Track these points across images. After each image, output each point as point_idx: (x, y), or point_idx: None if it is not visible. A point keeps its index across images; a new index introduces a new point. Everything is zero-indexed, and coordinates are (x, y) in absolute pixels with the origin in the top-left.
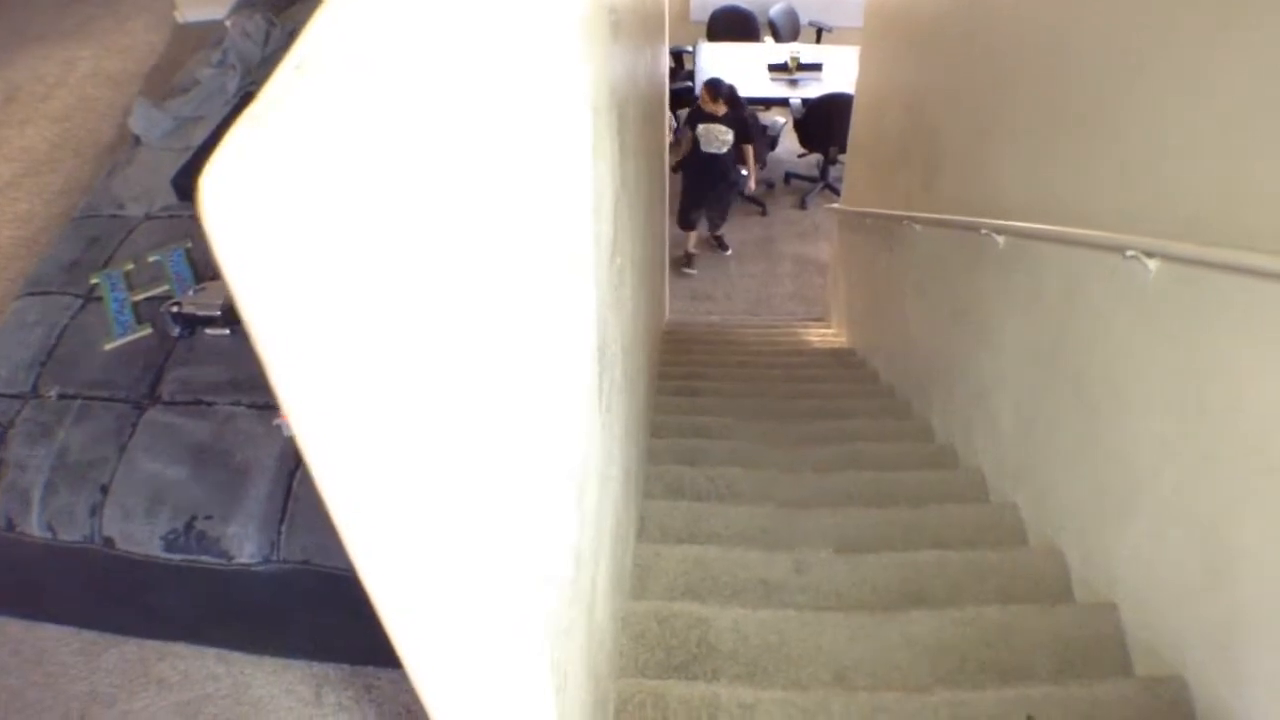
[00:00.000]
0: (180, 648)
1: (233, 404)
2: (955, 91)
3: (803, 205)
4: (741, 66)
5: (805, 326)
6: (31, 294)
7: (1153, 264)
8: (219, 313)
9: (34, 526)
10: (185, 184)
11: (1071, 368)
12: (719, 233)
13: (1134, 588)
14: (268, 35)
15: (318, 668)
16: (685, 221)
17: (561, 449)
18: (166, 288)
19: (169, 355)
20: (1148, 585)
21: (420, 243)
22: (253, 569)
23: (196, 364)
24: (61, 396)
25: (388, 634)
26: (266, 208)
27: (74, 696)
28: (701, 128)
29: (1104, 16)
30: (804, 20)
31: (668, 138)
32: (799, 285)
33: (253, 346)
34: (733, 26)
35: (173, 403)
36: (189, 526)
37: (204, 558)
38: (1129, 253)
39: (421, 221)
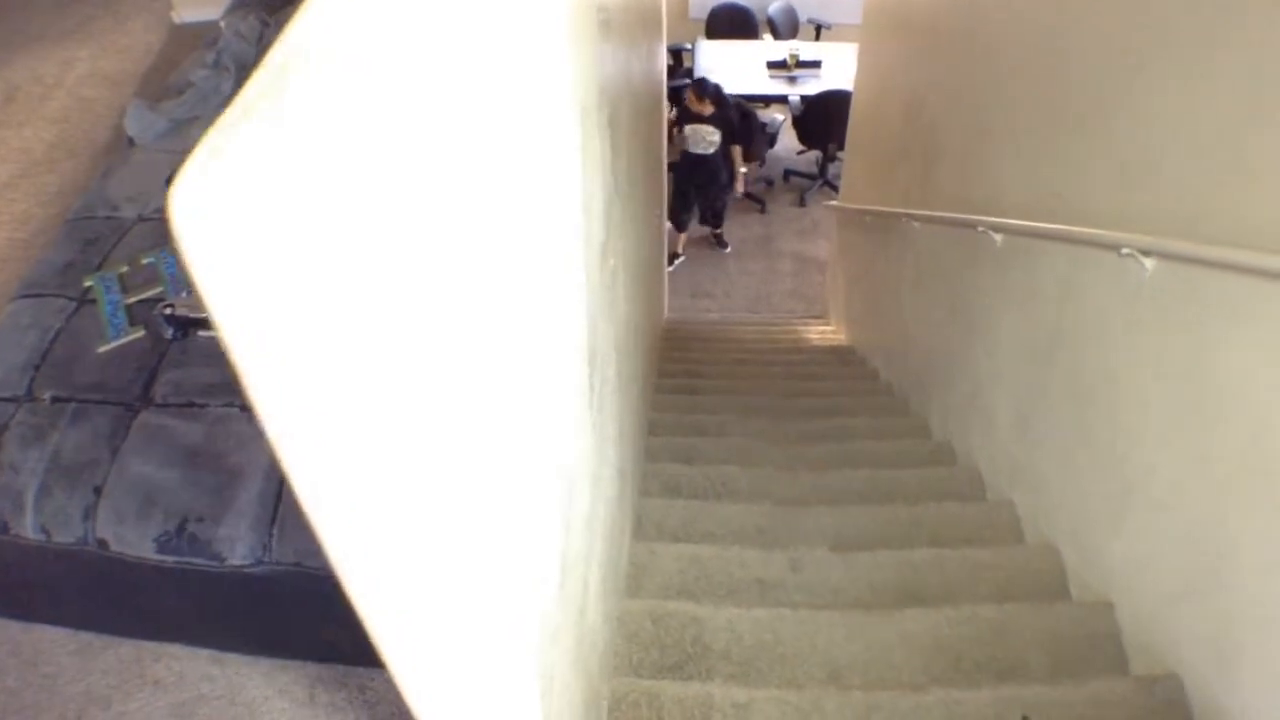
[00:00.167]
0: (175, 649)
1: (225, 406)
2: (954, 89)
3: (802, 203)
4: (740, 64)
5: (804, 324)
6: (26, 296)
7: (1149, 262)
8: None
9: (28, 529)
10: None
11: (1067, 365)
12: (719, 231)
13: (1130, 586)
14: (261, 36)
15: (311, 668)
16: (676, 223)
17: (548, 450)
18: (160, 290)
19: (162, 357)
20: (1143, 583)
21: (397, 247)
22: (245, 571)
23: (189, 366)
24: (55, 400)
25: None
26: (237, 217)
27: (71, 698)
28: (689, 128)
29: (1103, 16)
30: (803, 17)
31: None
32: (798, 283)
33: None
34: (732, 24)
35: (166, 405)
36: (181, 529)
37: (196, 560)
38: (1125, 251)
39: (397, 225)
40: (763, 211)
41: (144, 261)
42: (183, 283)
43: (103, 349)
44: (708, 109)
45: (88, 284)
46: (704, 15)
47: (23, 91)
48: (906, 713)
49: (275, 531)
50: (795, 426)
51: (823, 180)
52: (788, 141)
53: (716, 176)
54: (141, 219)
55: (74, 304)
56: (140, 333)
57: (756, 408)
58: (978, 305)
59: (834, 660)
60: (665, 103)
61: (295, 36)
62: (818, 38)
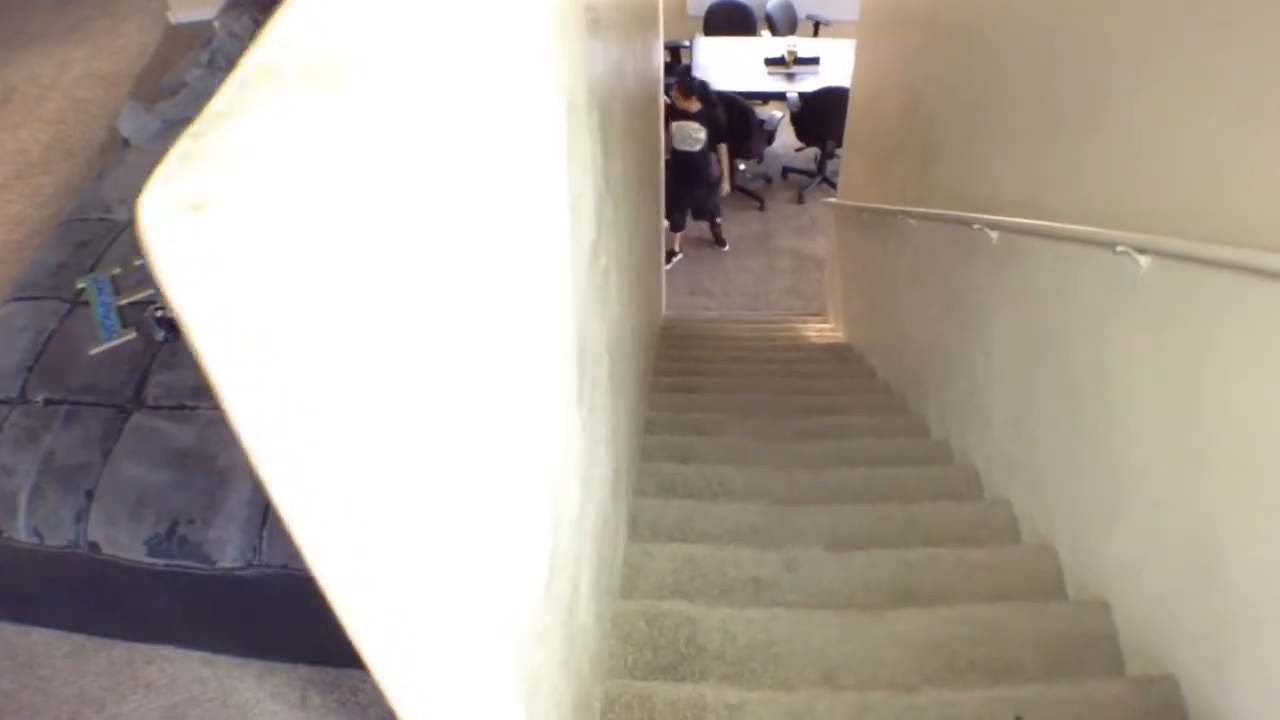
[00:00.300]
0: (168, 651)
1: (216, 408)
2: (950, 86)
3: (800, 200)
4: (739, 61)
5: (802, 321)
6: (20, 299)
7: (1143, 259)
8: None
9: (21, 532)
10: None
11: (1062, 363)
12: (716, 229)
13: (1126, 586)
14: (255, 35)
15: (303, 671)
16: (670, 221)
17: (532, 450)
18: (152, 292)
19: (154, 359)
20: (1139, 583)
21: (369, 249)
22: (235, 573)
23: (180, 368)
24: (48, 402)
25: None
26: (206, 227)
27: (65, 699)
28: (675, 125)
29: (1099, 14)
30: (801, 14)
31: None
32: (796, 280)
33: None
34: (730, 20)
35: (157, 407)
36: (172, 531)
37: (187, 563)
38: (1119, 248)
39: (369, 228)
40: (761, 209)
41: (136, 263)
42: None
43: (95, 351)
44: (694, 105)
45: (81, 286)
46: (702, 12)
47: (19, 93)
48: (899, 713)
49: (265, 534)
50: (792, 425)
51: (821, 177)
52: (786, 138)
53: (703, 174)
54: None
55: (67, 306)
56: (132, 335)
57: (754, 406)
58: (974, 302)
59: (828, 660)
60: (663, 100)
61: (265, 47)
62: (816, 34)
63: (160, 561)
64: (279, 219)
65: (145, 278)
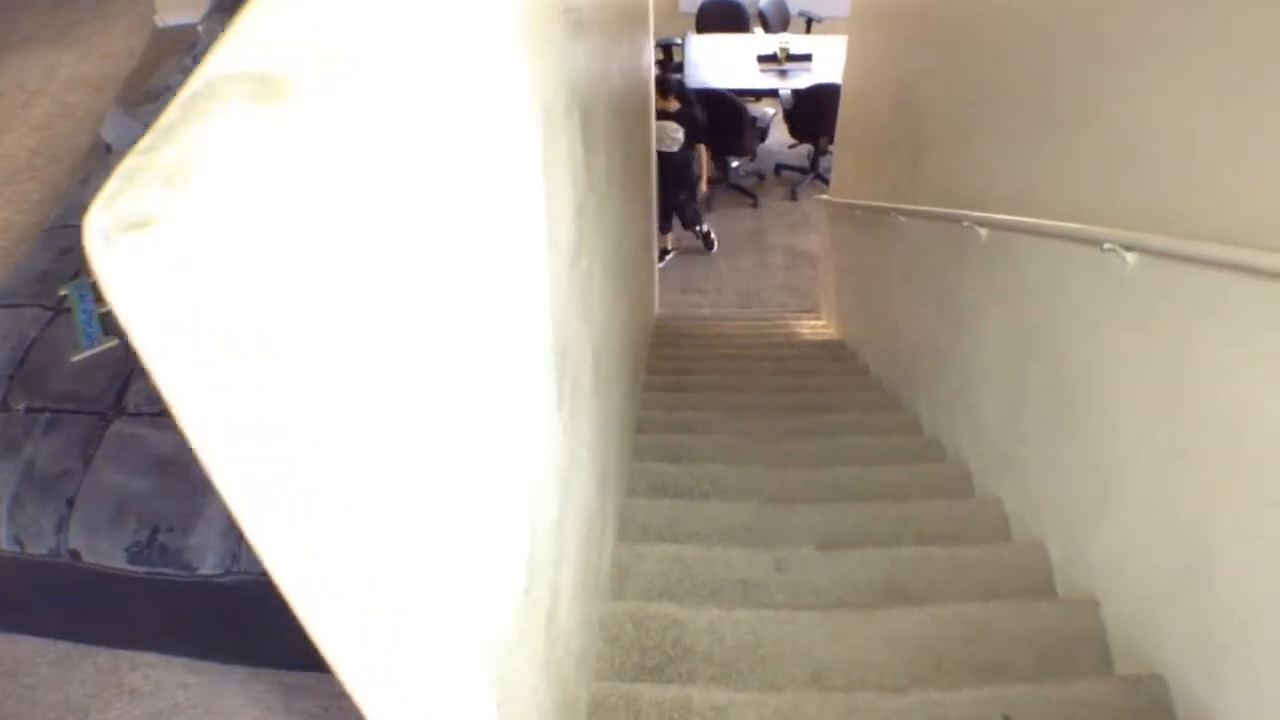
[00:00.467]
0: (152, 657)
1: None
2: (942, 83)
3: (793, 196)
4: (731, 58)
5: (796, 318)
6: (2, 306)
7: (1130, 257)
8: None
9: (2, 540)
10: None
11: (1052, 360)
12: (702, 231)
13: (1115, 584)
14: None
15: (286, 677)
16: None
17: (506, 455)
18: None
19: (134, 367)
20: (1128, 582)
21: (324, 257)
22: (215, 580)
23: None
24: (29, 410)
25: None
26: (149, 245)
27: (50, 707)
28: (654, 125)
29: (1092, 11)
30: (793, 10)
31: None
32: (790, 277)
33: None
34: (722, 17)
35: (138, 414)
36: (152, 539)
37: (167, 570)
38: (1106, 246)
39: (324, 236)
40: (754, 205)
41: None
42: None
43: (76, 358)
44: (672, 105)
45: (63, 293)
46: (694, 10)
47: (6, 98)
48: (887, 714)
49: (244, 541)
50: (784, 423)
51: (814, 174)
52: (779, 135)
53: (684, 175)
54: None
55: (50, 313)
56: (114, 342)
57: (746, 404)
58: (964, 299)
59: (816, 661)
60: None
61: (213, 60)
62: (808, 31)
63: (141, 569)
64: (226, 235)
65: None
